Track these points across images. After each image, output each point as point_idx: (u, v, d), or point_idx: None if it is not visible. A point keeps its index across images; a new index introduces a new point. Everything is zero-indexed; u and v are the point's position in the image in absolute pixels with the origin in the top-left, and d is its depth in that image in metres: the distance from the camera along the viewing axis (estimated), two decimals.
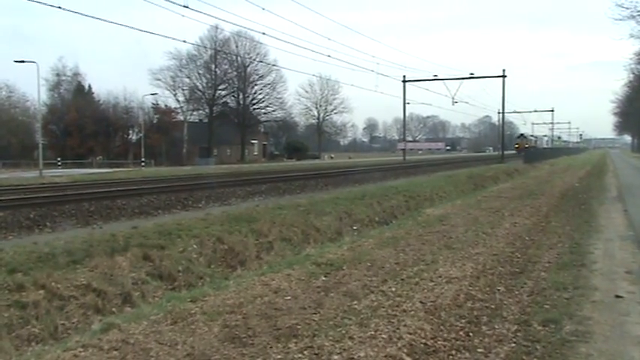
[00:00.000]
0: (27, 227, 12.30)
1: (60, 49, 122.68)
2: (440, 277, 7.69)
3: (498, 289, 7.20)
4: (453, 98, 55.73)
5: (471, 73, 55.74)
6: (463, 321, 5.88)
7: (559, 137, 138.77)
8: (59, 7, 17.68)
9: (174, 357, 4.83)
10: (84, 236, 10.64)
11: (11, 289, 7.61)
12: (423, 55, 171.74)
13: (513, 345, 5.28)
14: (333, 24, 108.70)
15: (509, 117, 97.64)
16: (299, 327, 5.52)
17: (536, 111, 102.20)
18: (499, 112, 73.25)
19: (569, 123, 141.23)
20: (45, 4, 17.33)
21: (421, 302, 6.41)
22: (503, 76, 55.81)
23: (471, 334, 5.54)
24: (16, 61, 41.23)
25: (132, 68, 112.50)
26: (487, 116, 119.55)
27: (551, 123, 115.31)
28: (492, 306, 6.46)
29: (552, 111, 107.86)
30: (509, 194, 20.60)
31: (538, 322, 5.86)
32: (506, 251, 9.72)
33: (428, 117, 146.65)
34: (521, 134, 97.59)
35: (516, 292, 7.07)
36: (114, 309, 8.31)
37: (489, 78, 57.30)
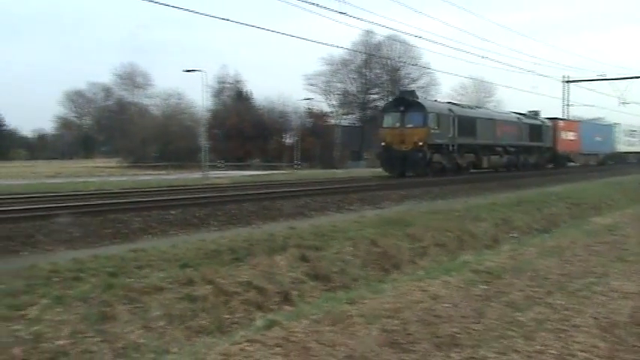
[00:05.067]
0: (194, 225, 13.09)
1: (222, 58, 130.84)
2: (613, 291, 7.09)
3: None
4: (621, 99, 50.71)
5: None
6: None
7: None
8: (227, 20, 18.76)
9: (335, 357, 4.87)
10: (245, 235, 11.15)
11: (182, 282, 8.13)
12: (587, 54, 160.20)
13: None
14: (488, 24, 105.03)
15: None
16: (460, 336, 5.34)
17: None
18: None
19: None
20: (214, 17, 18.44)
21: (593, 318, 5.94)
22: None
23: None
24: (185, 71, 44.36)
25: (288, 74, 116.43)
26: None
27: None
28: None
29: None
30: None
31: None
32: None
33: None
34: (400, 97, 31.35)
35: None
36: (272, 306, 8.58)
37: None
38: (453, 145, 29.71)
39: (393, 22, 73.92)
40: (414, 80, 75.43)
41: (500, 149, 34.74)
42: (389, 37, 65.39)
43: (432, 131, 28.31)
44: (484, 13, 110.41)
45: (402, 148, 28.12)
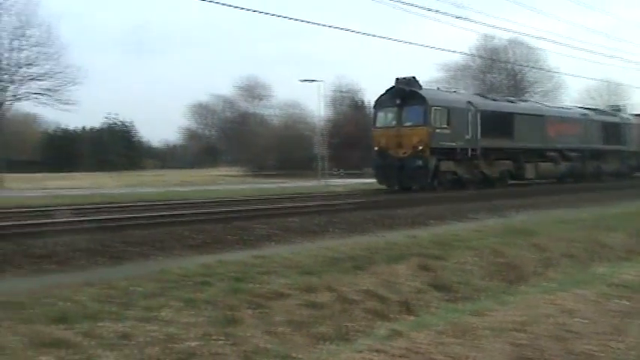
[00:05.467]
0: (314, 232, 13.25)
1: (340, 67, 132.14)
2: None
3: None
4: None
5: None
6: None
7: None
8: (347, 30, 18.95)
9: None
10: (364, 243, 11.16)
11: (304, 289, 8.24)
12: None
13: None
14: (621, 22, 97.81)
15: None
16: (598, 354, 5.00)
17: None
18: None
19: None
20: (336, 27, 18.73)
21: None
22: None
23: None
24: (301, 81, 44.36)
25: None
26: None
27: None
28: None
29: None
30: None
31: None
32: None
33: None
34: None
35: None
36: (392, 315, 8.49)
37: None
38: (473, 150, 23.23)
39: (514, 24, 71.35)
40: (535, 84, 72.60)
41: (554, 154, 27.25)
42: (509, 41, 63.34)
43: (437, 131, 22.09)
44: (617, 10, 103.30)
45: (398, 154, 22.29)
